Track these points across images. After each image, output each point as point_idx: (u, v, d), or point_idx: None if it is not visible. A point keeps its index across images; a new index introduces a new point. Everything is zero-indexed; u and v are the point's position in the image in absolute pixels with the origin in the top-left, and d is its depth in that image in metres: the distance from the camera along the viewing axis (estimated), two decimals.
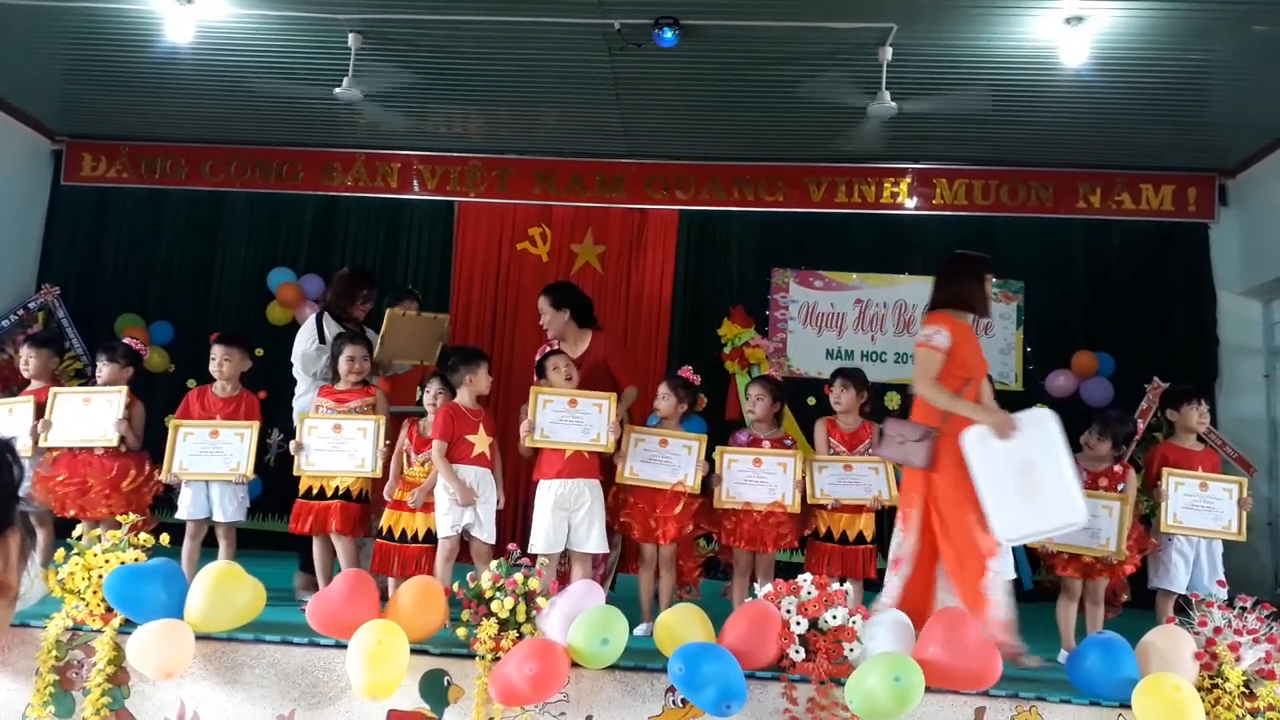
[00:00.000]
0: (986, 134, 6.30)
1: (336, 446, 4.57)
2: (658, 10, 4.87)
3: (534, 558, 4.08)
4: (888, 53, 5.11)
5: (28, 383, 5.08)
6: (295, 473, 4.61)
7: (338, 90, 5.47)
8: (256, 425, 4.67)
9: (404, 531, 4.45)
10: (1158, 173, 6.74)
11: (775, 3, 4.75)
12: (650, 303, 6.95)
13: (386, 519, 4.48)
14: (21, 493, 0.99)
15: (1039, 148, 6.49)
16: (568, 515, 4.35)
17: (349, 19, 5.17)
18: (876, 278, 6.86)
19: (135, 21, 5.27)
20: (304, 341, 5.10)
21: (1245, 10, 4.63)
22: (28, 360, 5.00)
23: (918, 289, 6.78)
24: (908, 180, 6.90)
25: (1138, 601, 4.89)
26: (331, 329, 5.04)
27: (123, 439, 4.62)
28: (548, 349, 4.92)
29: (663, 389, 4.63)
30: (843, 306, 6.86)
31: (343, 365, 4.73)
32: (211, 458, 4.60)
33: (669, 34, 4.92)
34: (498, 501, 4.46)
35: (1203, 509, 4.46)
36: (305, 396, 5.03)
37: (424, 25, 5.21)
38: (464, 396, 4.53)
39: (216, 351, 4.78)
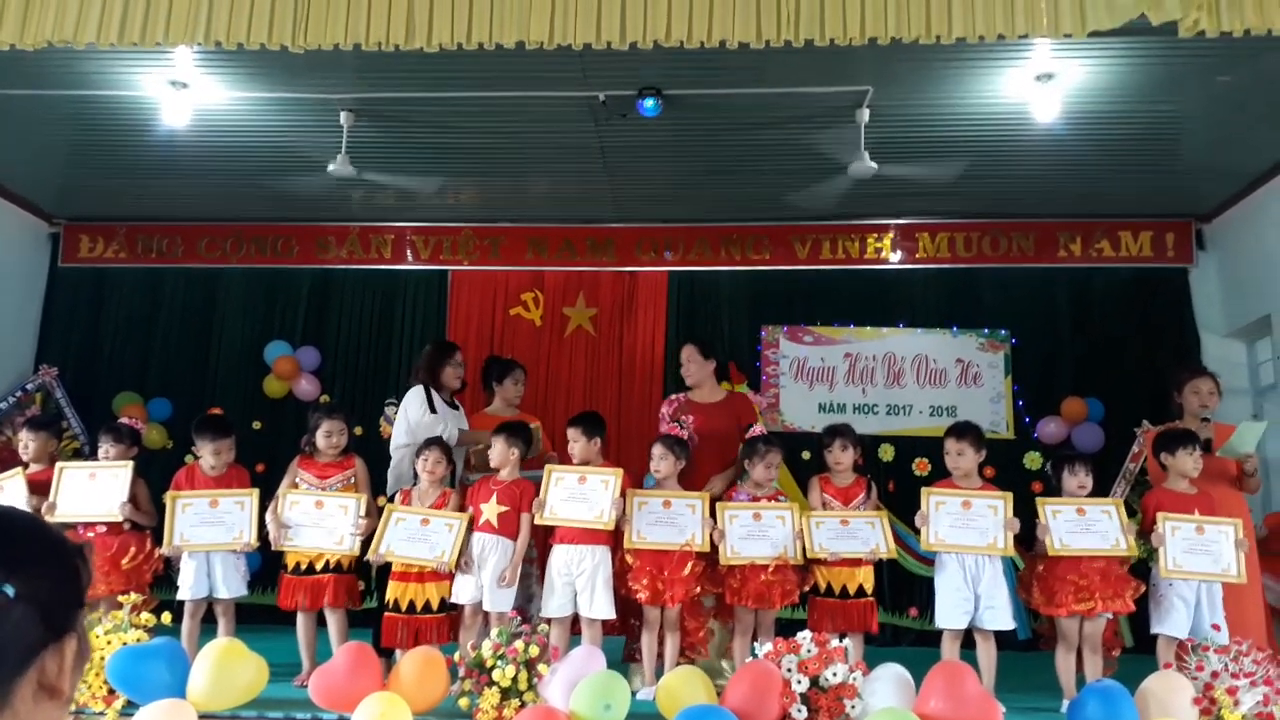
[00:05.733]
0: (965, 188, 6.44)
1: (317, 522, 4.61)
2: (640, 82, 5.03)
3: (548, 621, 4.17)
4: (865, 114, 5.26)
5: (26, 466, 5.12)
6: (275, 548, 4.63)
7: (331, 167, 5.60)
8: (256, 493, 4.71)
9: (412, 603, 4.46)
10: (1135, 220, 6.88)
11: (753, 71, 4.89)
12: (643, 363, 7.04)
13: (393, 591, 4.49)
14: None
15: (1018, 200, 6.64)
16: (571, 581, 4.40)
17: (341, 98, 5.32)
18: (864, 331, 6.96)
19: (132, 108, 5.41)
20: (415, 412, 5.06)
21: (1209, 62, 4.78)
22: (27, 444, 5.04)
23: (906, 341, 6.88)
24: (891, 235, 7.03)
25: (1139, 647, 4.89)
26: (438, 399, 5.12)
27: (127, 519, 4.67)
28: (675, 400, 5.25)
29: (659, 450, 4.67)
30: (833, 361, 6.94)
31: (320, 440, 4.81)
32: (213, 528, 4.61)
33: (651, 104, 5.07)
34: (503, 576, 4.47)
35: (1201, 552, 4.45)
36: (401, 465, 5.05)
37: (414, 102, 5.36)
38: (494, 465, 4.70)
39: (205, 448, 4.79)
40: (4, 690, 0.93)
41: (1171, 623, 4.39)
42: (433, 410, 5.04)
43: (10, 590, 0.93)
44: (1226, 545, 4.44)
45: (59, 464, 4.83)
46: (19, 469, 4.87)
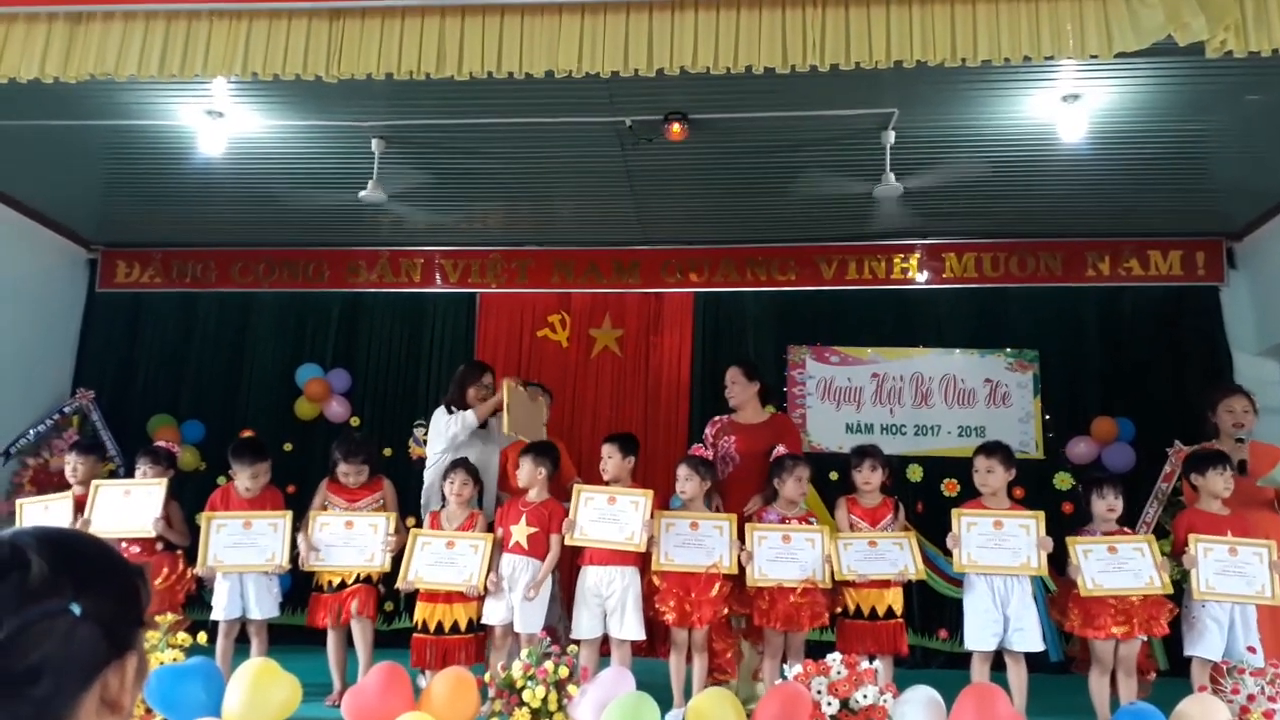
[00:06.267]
0: (992, 208, 6.44)
1: (348, 542, 4.69)
2: (666, 107, 5.08)
3: (577, 643, 4.19)
4: (890, 136, 5.27)
5: (64, 487, 5.23)
6: (303, 567, 4.71)
7: (362, 193, 5.69)
8: (289, 515, 4.78)
9: (440, 624, 4.50)
10: (1165, 239, 6.83)
11: (778, 95, 4.92)
12: (669, 384, 7.06)
13: (421, 612, 4.54)
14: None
15: (1045, 219, 6.61)
16: (602, 602, 4.42)
17: (372, 125, 5.41)
18: (891, 351, 6.94)
19: (169, 137, 5.52)
20: (439, 424, 5.33)
21: (1237, 82, 4.76)
22: (75, 467, 5.15)
23: (933, 361, 6.87)
24: (917, 255, 7.03)
25: (1174, 670, 4.84)
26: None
27: (161, 537, 4.75)
28: (718, 422, 5.28)
29: (684, 471, 4.70)
30: (860, 381, 6.93)
31: (339, 479, 4.96)
32: (246, 549, 4.70)
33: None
34: (527, 593, 4.50)
35: (1234, 574, 4.42)
36: (434, 485, 5.21)
37: (444, 129, 5.44)
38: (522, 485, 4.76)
39: (242, 471, 4.89)
40: (69, 705, 0.97)
41: (1205, 645, 4.35)
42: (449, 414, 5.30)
43: (78, 609, 0.97)
44: (1260, 567, 4.41)
45: (94, 481, 4.94)
46: (69, 491, 4.99)
